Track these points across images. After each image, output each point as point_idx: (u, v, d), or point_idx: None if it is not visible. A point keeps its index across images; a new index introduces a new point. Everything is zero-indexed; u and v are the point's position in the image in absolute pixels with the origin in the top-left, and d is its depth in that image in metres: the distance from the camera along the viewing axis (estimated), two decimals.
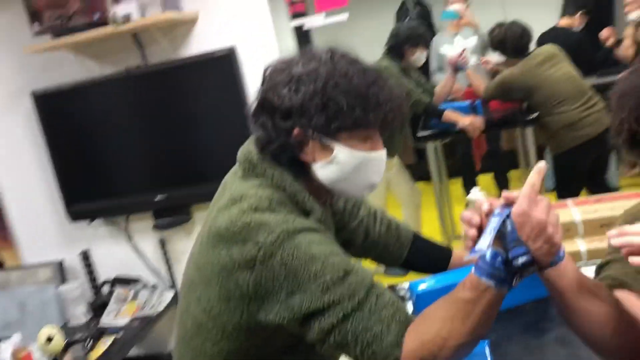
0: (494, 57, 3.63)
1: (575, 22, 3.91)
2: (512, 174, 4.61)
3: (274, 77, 1.11)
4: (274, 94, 1.09)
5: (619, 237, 0.82)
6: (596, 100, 3.14)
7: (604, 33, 3.95)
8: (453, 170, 4.64)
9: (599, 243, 2.08)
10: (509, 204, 0.92)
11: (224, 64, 2.48)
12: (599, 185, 3.27)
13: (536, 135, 3.32)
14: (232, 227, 1.05)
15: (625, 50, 3.93)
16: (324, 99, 1.06)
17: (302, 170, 1.14)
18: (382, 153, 1.15)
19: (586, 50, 3.78)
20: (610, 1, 4.47)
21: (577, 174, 3.21)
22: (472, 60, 3.99)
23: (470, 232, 0.95)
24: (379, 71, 1.13)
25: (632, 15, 3.73)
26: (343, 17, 2.53)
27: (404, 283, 1.50)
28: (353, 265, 1.05)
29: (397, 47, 3.30)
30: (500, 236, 0.91)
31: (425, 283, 1.39)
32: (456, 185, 4.61)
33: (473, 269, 0.95)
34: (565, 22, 3.94)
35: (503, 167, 4.56)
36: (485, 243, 0.90)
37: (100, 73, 2.68)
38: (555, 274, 0.93)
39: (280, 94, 1.08)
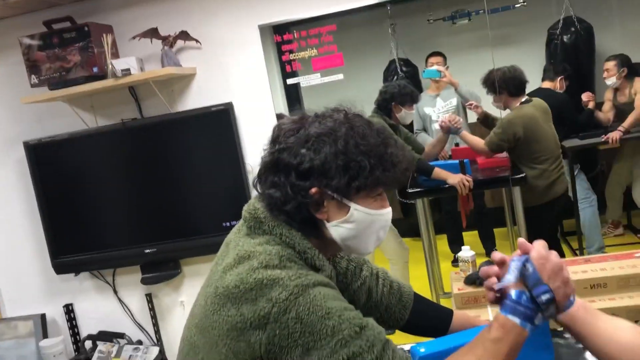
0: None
1: (557, 85, 4.08)
2: (497, 232, 4.65)
3: (288, 137, 1.10)
4: (291, 154, 1.08)
5: None
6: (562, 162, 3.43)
7: (585, 96, 4.12)
8: (437, 227, 4.67)
9: (591, 304, 2.09)
10: (525, 252, 1.02)
11: (220, 119, 2.51)
12: (554, 241, 3.50)
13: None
14: (242, 285, 1.02)
15: (605, 113, 4.10)
16: (346, 159, 1.06)
17: (315, 228, 1.13)
18: (389, 210, 1.17)
19: (570, 111, 3.93)
20: (591, 66, 4.66)
21: (549, 229, 3.45)
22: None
23: (485, 273, 1.06)
24: (389, 132, 1.15)
25: (609, 81, 3.96)
26: (338, 76, 2.60)
27: (405, 346, 1.48)
28: (368, 320, 1.05)
29: (384, 104, 3.39)
30: (522, 278, 1.00)
31: (427, 347, 1.37)
32: (441, 241, 4.63)
33: (499, 309, 1.01)
34: (547, 85, 4.10)
35: (488, 224, 4.60)
36: (511, 277, 1.00)
37: (95, 125, 2.69)
38: (569, 317, 1.02)
39: (298, 154, 1.07)
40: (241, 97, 2.54)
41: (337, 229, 1.12)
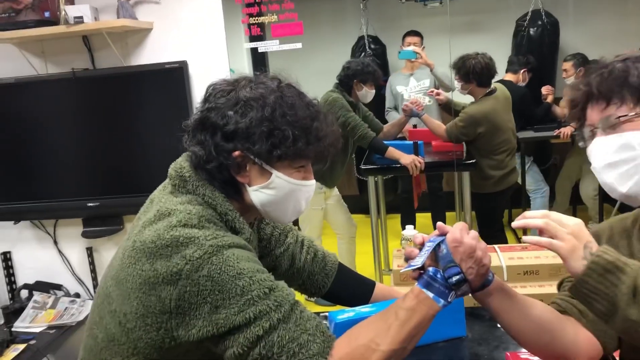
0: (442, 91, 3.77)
1: (520, 78, 4.14)
2: (449, 215, 4.74)
3: (218, 97, 1.12)
4: (219, 114, 1.10)
5: (518, 220, 0.98)
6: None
7: (544, 90, 4.20)
8: (393, 206, 4.73)
9: (521, 289, 2.17)
10: (442, 234, 1.07)
11: (173, 77, 2.47)
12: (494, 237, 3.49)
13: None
14: (158, 240, 1.04)
15: (562, 108, 4.19)
16: (271, 126, 1.09)
17: (236, 191, 1.15)
18: (313, 183, 1.20)
19: (529, 104, 4.01)
20: (554, 61, 4.75)
21: (498, 215, 3.55)
22: (426, 100, 4.14)
23: (408, 254, 1.10)
24: (319, 106, 1.18)
25: (568, 81, 4.07)
26: (297, 45, 2.58)
27: (324, 313, 1.51)
28: (278, 283, 1.07)
29: (346, 81, 3.38)
30: (437, 259, 1.05)
31: (345, 314, 1.40)
32: (395, 220, 4.70)
33: (416, 283, 1.06)
34: (510, 77, 4.16)
35: (440, 207, 4.69)
36: (419, 260, 1.05)
37: (45, 72, 2.62)
38: (487, 295, 1.09)
39: (225, 115, 1.10)
40: (197, 57, 2.50)
41: (257, 194, 1.15)
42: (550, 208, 4.61)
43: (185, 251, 1.02)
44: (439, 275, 1.03)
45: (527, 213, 0.98)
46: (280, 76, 1.18)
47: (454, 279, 1.02)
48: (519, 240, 4.29)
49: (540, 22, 4.63)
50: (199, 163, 1.13)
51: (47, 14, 2.37)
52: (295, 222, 1.50)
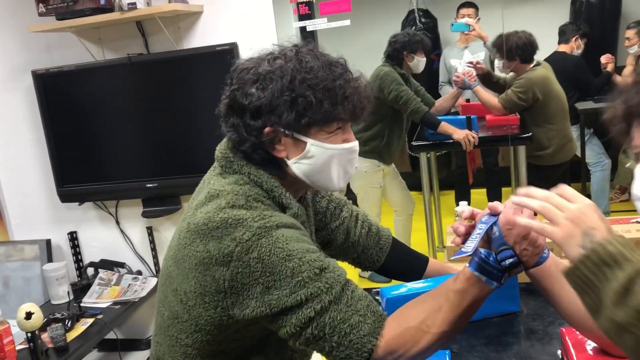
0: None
1: (573, 46, 3.97)
2: (505, 191, 4.63)
3: (241, 77, 1.11)
4: (242, 94, 1.09)
5: (518, 197, 0.93)
6: None
7: (603, 59, 4.01)
8: (447, 182, 4.66)
9: None
10: (495, 213, 1.01)
11: (225, 59, 2.50)
12: None
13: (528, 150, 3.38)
14: (209, 223, 1.07)
15: (625, 77, 3.98)
16: (292, 95, 1.06)
17: (277, 167, 1.15)
18: (354, 144, 1.16)
19: (585, 73, 3.84)
20: (615, 28, 4.51)
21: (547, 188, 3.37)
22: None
23: (456, 240, 1.07)
24: (344, 64, 1.14)
25: (631, 50, 3.85)
26: (345, 22, 2.56)
27: (376, 288, 1.53)
28: (329, 262, 1.08)
29: (395, 54, 3.35)
30: (489, 240, 1.00)
31: (397, 290, 1.41)
32: (450, 197, 4.64)
33: (467, 264, 1.02)
34: (563, 48, 4.01)
35: (496, 183, 4.59)
36: (470, 246, 0.99)
37: (102, 58, 2.71)
38: (539, 273, 1.05)
39: (248, 93, 1.08)
40: (246, 38, 2.53)
41: (298, 166, 1.14)
42: (612, 182, 4.45)
43: (235, 233, 1.04)
44: (491, 258, 0.99)
45: (531, 190, 0.92)
46: (300, 44, 1.14)
47: (507, 262, 0.98)
48: None
49: None
50: (234, 146, 1.14)
51: (102, 2, 2.44)
52: (351, 197, 1.49)
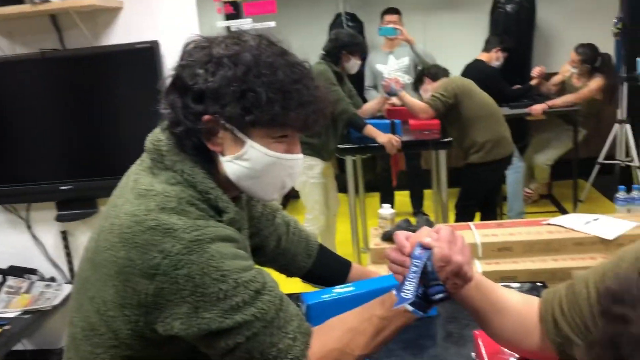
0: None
1: (492, 57, 4.17)
2: (427, 193, 4.77)
3: (192, 55, 1.02)
4: (190, 73, 0.99)
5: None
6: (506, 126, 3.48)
7: (535, 72, 4.24)
8: (372, 185, 4.75)
9: (495, 266, 2.20)
10: (427, 247, 0.96)
11: (145, 57, 2.42)
12: (491, 211, 3.63)
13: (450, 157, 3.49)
14: (134, 227, 0.97)
15: (551, 85, 4.24)
16: (243, 87, 0.97)
17: (209, 160, 1.06)
18: (298, 157, 1.08)
19: (496, 84, 4.03)
20: (529, 39, 4.77)
21: (484, 187, 3.49)
22: (405, 79, 4.14)
23: (387, 256, 0.99)
24: (308, 69, 1.05)
25: (572, 69, 4.15)
26: (270, 24, 2.55)
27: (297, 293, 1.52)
28: (265, 281, 1.02)
29: (334, 51, 3.37)
30: (421, 273, 0.97)
31: (320, 296, 1.41)
32: (375, 199, 4.72)
33: (394, 292, 0.99)
34: (483, 56, 4.19)
35: (419, 185, 4.72)
36: (410, 290, 0.96)
37: (14, 52, 2.55)
38: (461, 298, 1.01)
39: (195, 74, 0.99)
40: (168, 36, 2.45)
41: (231, 165, 1.04)
42: (527, 185, 4.69)
43: (163, 244, 0.95)
44: (419, 291, 0.97)
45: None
46: (264, 34, 1.05)
47: (438, 296, 0.97)
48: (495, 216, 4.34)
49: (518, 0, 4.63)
50: (168, 128, 1.05)
51: None
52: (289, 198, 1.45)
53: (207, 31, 2.68)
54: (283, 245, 1.40)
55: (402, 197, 4.81)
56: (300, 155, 1.09)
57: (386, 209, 2.42)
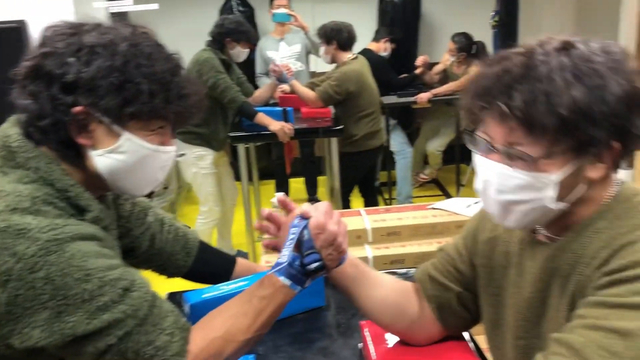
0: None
1: (381, 47, 4.27)
2: (321, 179, 4.83)
3: (57, 41, 0.95)
4: (57, 62, 0.93)
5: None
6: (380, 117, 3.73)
7: (419, 61, 4.37)
8: (267, 172, 4.72)
9: (385, 250, 2.25)
10: (305, 217, 1.03)
11: (11, 38, 2.22)
12: (371, 189, 3.97)
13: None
14: None
15: (434, 74, 4.40)
16: (122, 78, 0.93)
17: (75, 155, 0.99)
18: (172, 149, 1.06)
19: (385, 73, 4.17)
20: (415, 29, 4.94)
21: (359, 174, 3.75)
22: (297, 66, 4.12)
23: (266, 242, 1.13)
24: (180, 60, 1.04)
25: (451, 58, 4.32)
26: (154, 6, 2.42)
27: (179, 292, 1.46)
28: (134, 278, 0.96)
29: (218, 37, 3.27)
30: (298, 243, 1.02)
31: (202, 294, 1.36)
32: (270, 186, 4.70)
33: (272, 268, 1.03)
34: (372, 46, 4.28)
35: (313, 172, 4.76)
36: (286, 254, 1.02)
37: None
38: (338, 275, 1.12)
39: (65, 62, 0.93)
40: (38, 16, 2.26)
41: (102, 159, 0.98)
42: (422, 171, 4.91)
43: (16, 247, 0.87)
44: (296, 262, 1.01)
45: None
46: (135, 25, 1.02)
47: (313, 265, 1.01)
48: (385, 201, 4.48)
49: None
50: (30, 120, 0.96)
51: None
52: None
53: (84, 12, 2.51)
54: (158, 244, 1.32)
55: (297, 184, 4.83)
56: (174, 147, 1.07)
57: (278, 197, 2.40)
